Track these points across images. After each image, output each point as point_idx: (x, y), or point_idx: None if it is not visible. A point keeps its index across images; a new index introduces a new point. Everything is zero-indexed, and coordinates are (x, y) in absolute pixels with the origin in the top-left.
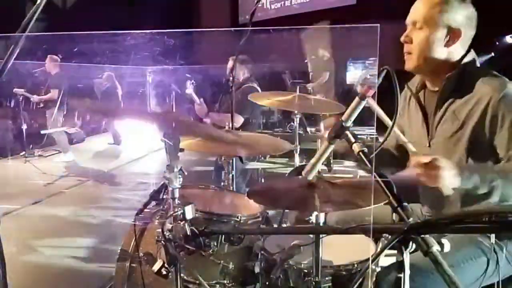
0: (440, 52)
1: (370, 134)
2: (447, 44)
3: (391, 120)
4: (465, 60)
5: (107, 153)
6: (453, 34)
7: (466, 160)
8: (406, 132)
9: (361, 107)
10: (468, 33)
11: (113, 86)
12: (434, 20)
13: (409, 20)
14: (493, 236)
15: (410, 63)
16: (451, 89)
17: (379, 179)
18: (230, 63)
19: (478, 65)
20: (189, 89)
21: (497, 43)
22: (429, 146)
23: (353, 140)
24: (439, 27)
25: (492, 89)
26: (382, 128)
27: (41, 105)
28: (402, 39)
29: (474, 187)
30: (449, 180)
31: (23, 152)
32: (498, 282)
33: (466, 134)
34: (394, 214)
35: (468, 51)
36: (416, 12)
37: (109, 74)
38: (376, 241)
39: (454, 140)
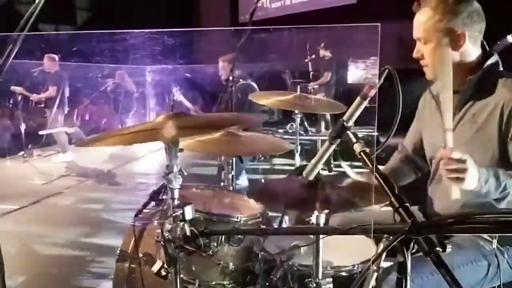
0: (453, 57)
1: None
2: (455, 48)
3: None
4: (489, 62)
5: (107, 153)
6: (458, 37)
7: (483, 164)
8: (424, 134)
9: (362, 107)
10: (474, 30)
11: (125, 85)
12: (433, 32)
13: (414, 36)
14: (495, 241)
15: (429, 75)
16: (472, 92)
17: (380, 179)
18: (220, 64)
19: (501, 68)
20: (178, 96)
21: (498, 42)
22: (444, 147)
23: (354, 140)
24: (441, 36)
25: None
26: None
27: (42, 104)
28: (414, 55)
29: (487, 193)
30: (469, 182)
31: (22, 152)
32: (499, 287)
33: (483, 140)
34: (395, 214)
35: (491, 54)
36: (416, 29)
37: (121, 72)
38: (377, 242)
39: (470, 143)
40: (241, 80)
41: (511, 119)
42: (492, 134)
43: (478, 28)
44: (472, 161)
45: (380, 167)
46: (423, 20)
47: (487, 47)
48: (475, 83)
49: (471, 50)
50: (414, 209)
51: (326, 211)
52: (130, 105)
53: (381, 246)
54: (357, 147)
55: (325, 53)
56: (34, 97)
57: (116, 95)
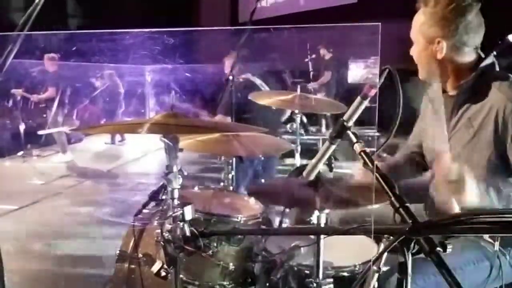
0: (438, 61)
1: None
2: (434, 55)
3: None
4: (484, 64)
5: (106, 153)
6: (437, 45)
7: (482, 169)
8: (423, 135)
9: (363, 107)
10: (464, 40)
11: (114, 85)
12: (418, 35)
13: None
14: (497, 243)
15: (420, 74)
16: (467, 95)
17: (380, 179)
18: (226, 63)
19: (498, 69)
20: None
21: (499, 42)
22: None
23: (354, 140)
24: (423, 40)
25: (507, 97)
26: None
27: (43, 104)
28: (411, 53)
29: (490, 205)
30: (469, 198)
31: (21, 152)
32: None
33: (481, 143)
34: (396, 214)
35: (487, 54)
36: (411, 29)
37: (110, 72)
38: (378, 242)
39: (469, 147)
40: (241, 78)
41: (508, 124)
42: (488, 137)
43: (471, 38)
44: (470, 177)
45: (380, 164)
46: (415, 22)
47: (482, 54)
48: (468, 87)
49: (464, 55)
50: (420, 207)
51: (327, 211)
52: (120, 105)
53: (382, 246)
54: (357, 147)
55: (325, 52)
56: (34, 97)
57: (106, 95)
